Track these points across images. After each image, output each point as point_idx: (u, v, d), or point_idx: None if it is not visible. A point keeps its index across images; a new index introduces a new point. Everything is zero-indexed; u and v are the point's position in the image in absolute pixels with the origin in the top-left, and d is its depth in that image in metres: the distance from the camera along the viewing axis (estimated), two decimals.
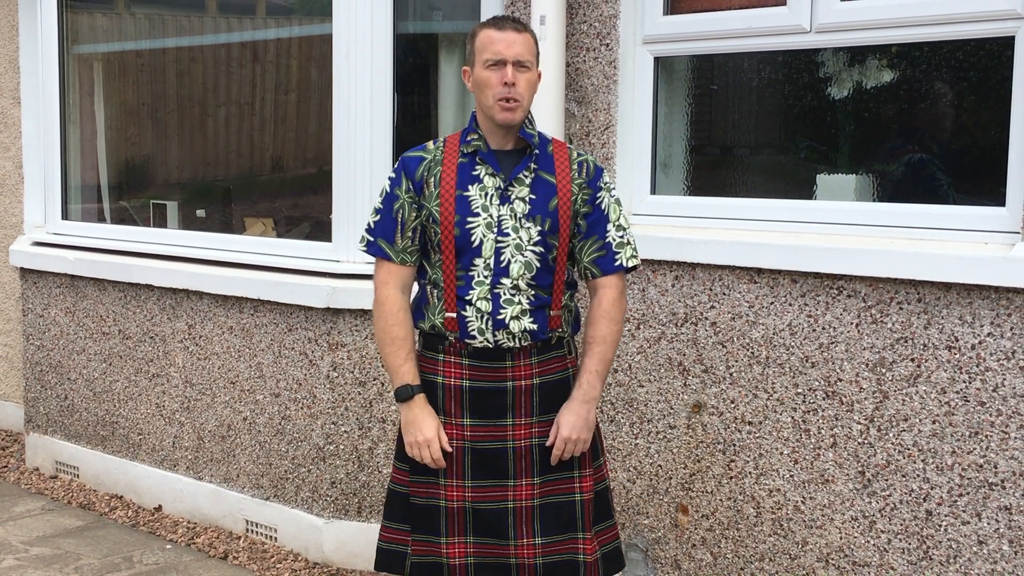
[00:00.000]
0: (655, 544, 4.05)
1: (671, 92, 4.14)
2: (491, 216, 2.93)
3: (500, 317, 2.92)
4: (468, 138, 3.00)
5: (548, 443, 2.99)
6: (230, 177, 5.75)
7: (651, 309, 4.00)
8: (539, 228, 2.94)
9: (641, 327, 4.02)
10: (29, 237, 6.16)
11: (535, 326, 2.95)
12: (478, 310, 2.93)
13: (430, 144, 3.08)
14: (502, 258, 2.93)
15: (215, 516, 5.13)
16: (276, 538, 4.90)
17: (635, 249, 3.06)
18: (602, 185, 3.02)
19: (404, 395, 2.99)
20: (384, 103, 4.61)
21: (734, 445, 3.81)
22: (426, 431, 2.95)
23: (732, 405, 3.81)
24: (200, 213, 5.75)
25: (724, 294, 3.80)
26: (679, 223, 3.99)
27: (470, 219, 2.93)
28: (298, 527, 4.79)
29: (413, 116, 4.89)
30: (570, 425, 2.96)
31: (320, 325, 4.65)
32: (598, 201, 3.01)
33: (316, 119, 5.33)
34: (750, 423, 3.76)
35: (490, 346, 2.95)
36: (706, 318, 3.86)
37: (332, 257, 4.72)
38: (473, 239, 2.93)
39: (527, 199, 2.95)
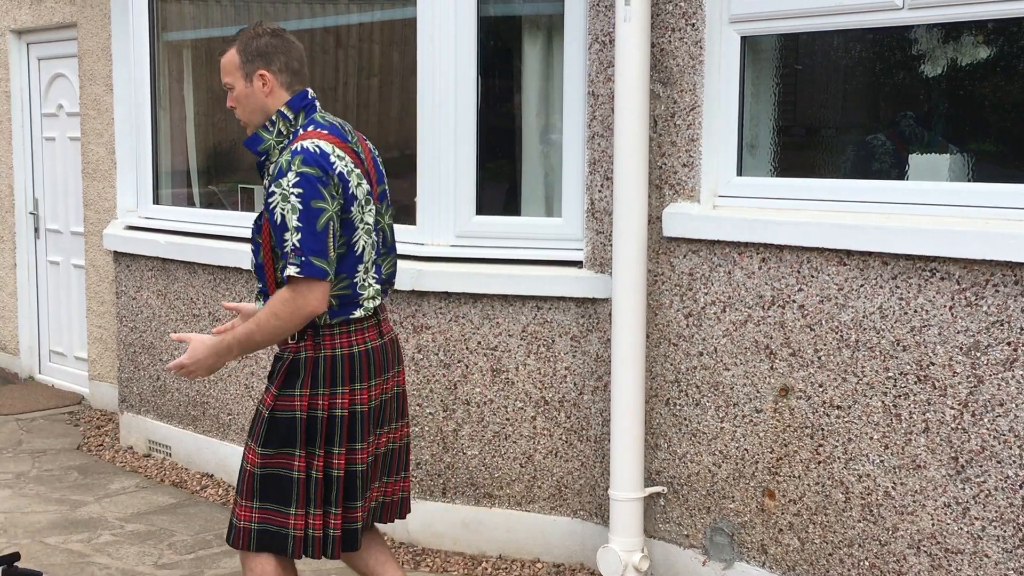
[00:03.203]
0: (741, 528, 4.02)
1: (758, 72, 4.08)
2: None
3: None
4: None
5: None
6: None
7: (737, 292, 3.96)
8: (252, 228, 3.21)
9: (727, 310, 3.99)
10: (122, 221, 6.31)
11: None
12: None
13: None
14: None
15: None
16: None
17: (295, 259, 2.99)
18: (275, 189, 3.03)
19: None
20: (468, 87, 4.62)
21: (822, 429, 3.76)
22: None
23: (820, 389, 3.76)
24: None
25: (812, 276, 3.75)
26: (766, 204, 3.94)
27: None
28: None
29: (496, 99, 4.89)
30: (188, 351, 3.19)
31: (405, 308, 4.69)
32: (272, 206, 3.03)
33: (398, 103, 5.36)
34: (839, 407, 3.71)
35: None
36: (794, 301, 3.81)
37: (417, 240, 4.75)
38: None
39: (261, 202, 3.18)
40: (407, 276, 4.62)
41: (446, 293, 4.62)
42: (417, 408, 4.70)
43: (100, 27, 6.72)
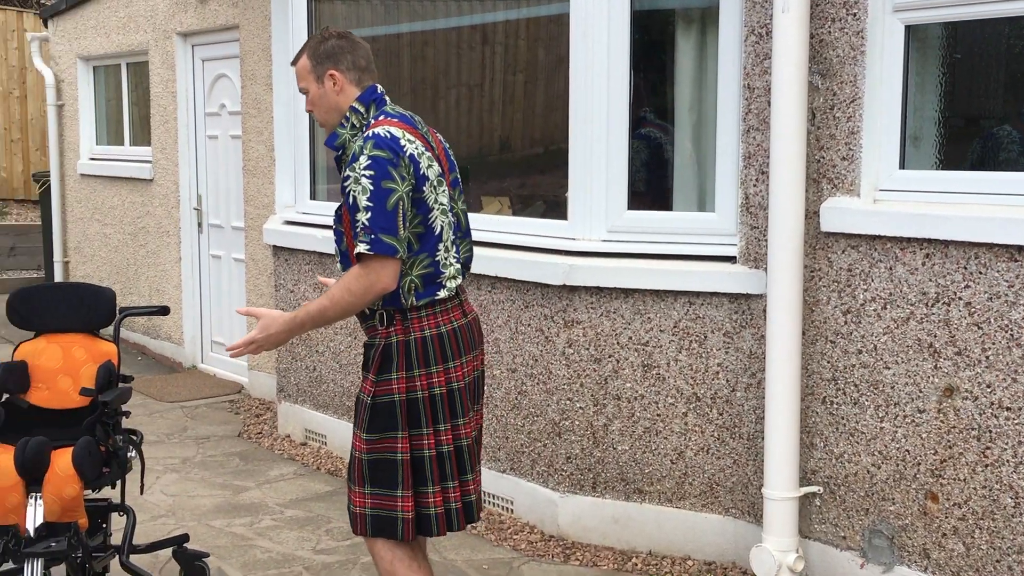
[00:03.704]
0: (901, 531, 3.91)
1: (922, 62, 3.96)
2: None
3: None
4: None
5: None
6: (462, 157, 5.88)
7: (899, 288, 3.85)
8: (332, 219, 3.32)
9: (888, 307, 3.88)
10: (280, 216, 6.51)
11: None
12: None
13: None
14: None
15: None
16: (512, 510, 5.02)
17: (364, 236, 3.06)
18: (350, 173, 3.14)
19: None
20: (621, 82, 4.61)
21: (990, 431, 3.63)
22: None
23: (988, 390, 3.62)
24: None
25: (980, 273, 3.62)
26: (930, 199, 3.82)
27: None
28: (534, 500, 4.89)
29: (648, 94, 4.87)
30: (259, 325, 3.23)
31: (556, 302, 4.72)
32: (347, 189, 3.15)
33: (543, 99, 5.38)
34: (1008, 408, 3.57)
35: None
36: (960, 298, 3.68)
37: (568, 235, 4.77)
38: None
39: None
40: (558, 271, 4.64)
41: (597, 288, 4.62)
42: (567, 402, 4.72)
43: (261, 28, 6.95)
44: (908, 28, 3.89)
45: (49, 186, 10.27)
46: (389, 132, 3.17)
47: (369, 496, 3.24)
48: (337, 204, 3.25)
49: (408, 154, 3.15)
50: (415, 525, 3.23)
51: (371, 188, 3.08)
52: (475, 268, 4.99)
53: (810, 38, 4.03)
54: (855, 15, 3.92)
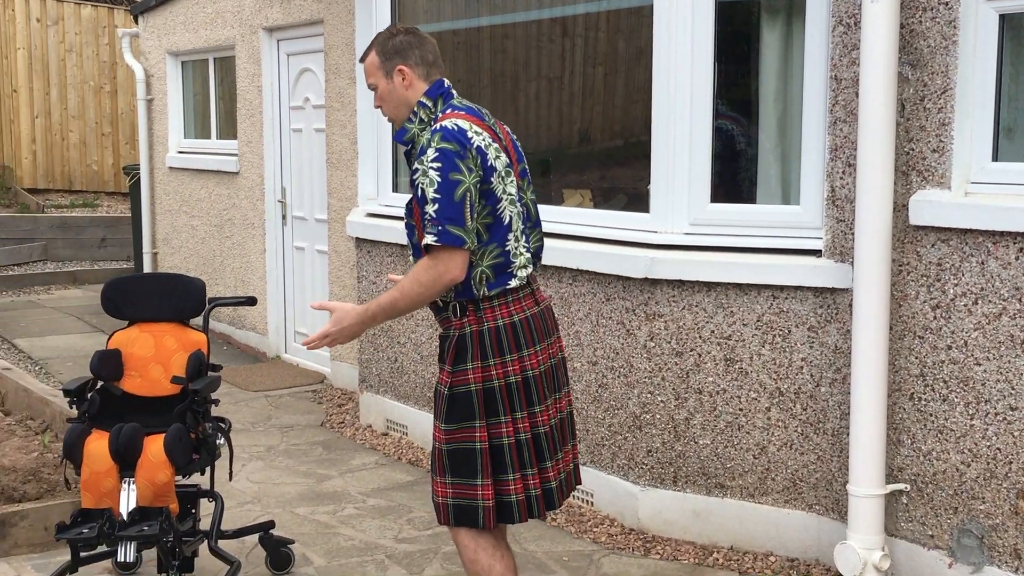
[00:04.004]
0: (992, 531, 3.84)
1: (1017, 51, 3.86)
2: None
3: None
4: None
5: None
6: (542, 150, 5.90)
7: (991, 283, 3.77)
8: (403, 212, 3.33)
9: (979, 302, 3.80)
10: (363, 209, 6.59)
11: None
12: None
13: None
14: None
15: None
16: (592, 502, 5.02)
17: (432, 228, 3.10)
18: (418, 166, 3.18)
19: None
20: (704, 74, 4.58)
21: None
22: None
23: None
24: None
25: None
26: None
27: None
28: (614, 493, 4.89)
29: (732, 86, 4.82)
30: (332, 318, 3.31)
31: (638, 295, 4.70)
32: (416, 181, 3.18)
33: (623, 92, 5.36)
34: None
35: None
36: None
37: (650, 228, 4.75)
38: None
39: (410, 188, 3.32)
40: (639, 264, 4.63)
41: (679, 281, 4.60)
42: (648, 395, 4.71)
43: (345, 22, 7.03)
44: (1002, 17, 3.80)
45: (139, 179, 10.52)
46: (456, 124, 3.20)
47: (450, 486, 3.27)
48: (409, 197, 3.29)
49: (475, 146, 3.18)
50: (496, 513, 3.26)
51: (438, 180, 3.11)
52: (556, 260, 5.00)
53: (900, 28, 3.95)
54: (947, 4, 3.84)
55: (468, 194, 3.13)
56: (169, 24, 9.83)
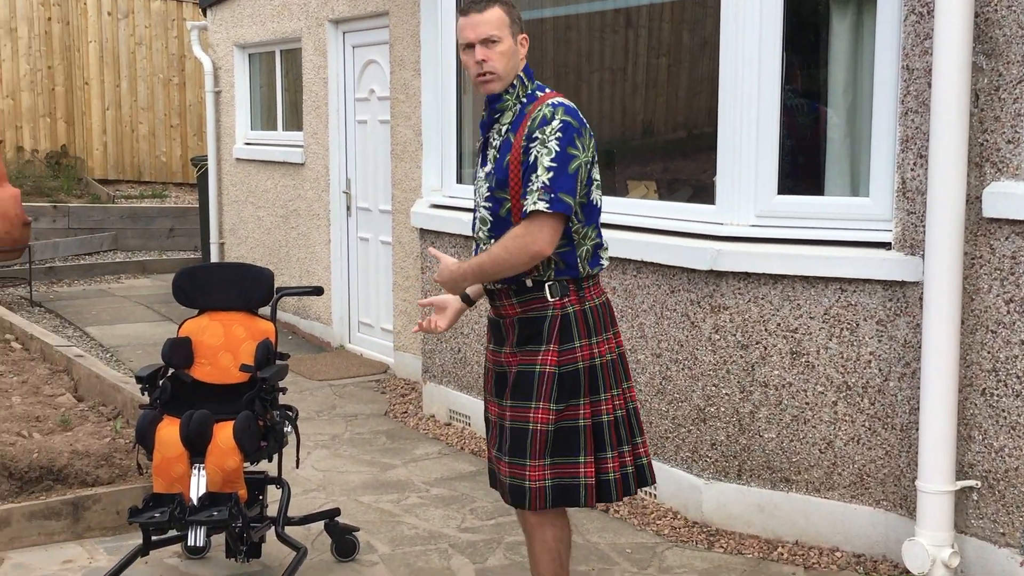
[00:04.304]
0: None
1: None
2: (474, 178, 3.49)
3: None
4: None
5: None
6: (606, 141, 5.88)
7: None
8: (489, 185, 3.33)
9: None
10: (427, 200, 6.62)
11: None
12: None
13: None
14: (474, 215, 3.46)
15: None
16: (656, 495, 5.00)
17: (543, 195, 3.14)
18: (538, 135, 3.21)
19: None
20: (772, 64, 4.53)
21: None
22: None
23: None
24: None
25: None
26: None
27: (474, 182, 3.52)
28: (677, 486, 4.87)
29: (800, 76, 4.77)
30: (438, 268, 3.43)
31: (703, 287, 4.67)
32: (531, 152, 3.21)
33: (687, 82, 5.33)
34: None
35: (488, 287, 3.41)
36: None
37: (716, 220, 4.72)
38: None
39: (492, 159, 3.36)
40: (704, 255, 4.60)
41: (745, 273, 4.56)
42: (713, 388, 4.68)
43: (410, 14, 7.06)
44: None
45: (206, 170, 10.68)
46: (572, 104, 3.31)
47: (549, 467, 3.29)
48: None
49: (588, 128, 3.28)
50: (597, 491, 3.32)
51: (557, 150, 3.19)
52: (620, 252, 4.98)
53: (974, 16, 3.88)
54: None
55: (580, 170, 3.22)
56: (237, 17, 9.95)
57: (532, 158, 3.19)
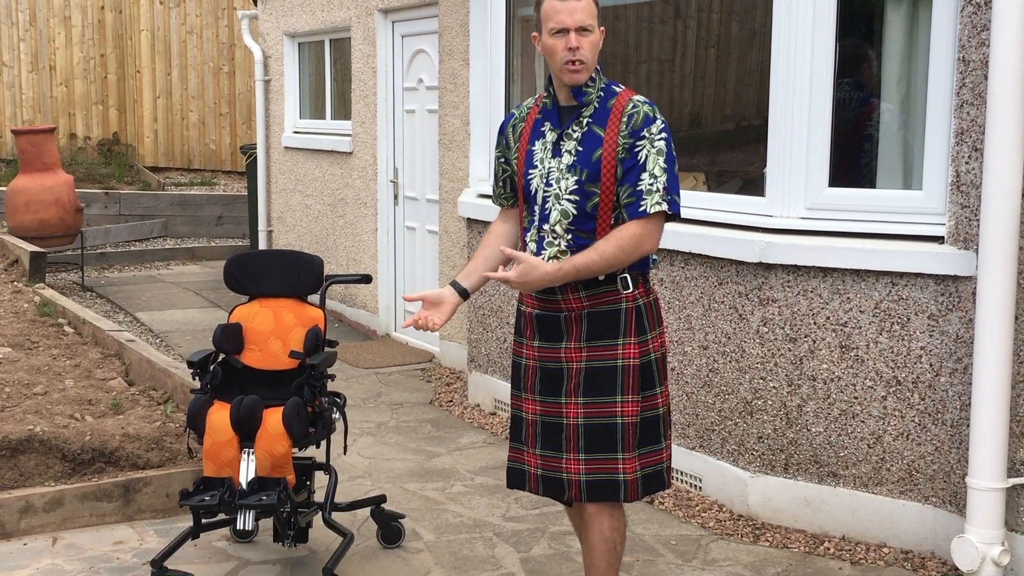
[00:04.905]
0: None
1: None
2: (544, 168, 3.35)
3: (541, 256, 3.32)
4: (543, 97, 3.41)
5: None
6: None
7: None
8: (577, 178, 3.27)
9: None
10: (474, 190, 6.63)
11: None
12: (529, 250, 3.38)
13: (526, 102, 3.51)
14: (547, 206, 3.33)
15: None
16: (700, 487, 4.99)
17: (664, 196, 3.19)
18: (645, 135, 3.22)
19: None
20: (824, 56, 4.49)
21: None
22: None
23: None
24: None
25: None
26: None
27: (530, 171, 3.39)
28: (723, 479, 4.85)
29: (853, 68, 4.71)
30: (519, 269, 3.21)
31: (751, 280, 4.65)
32: (637, 150, 3.22)
33: (736, 74, 5.29)
34: None
35: None
36: None
37: (765, 212, 4.69)
38: (532, 188, 3.37)
39: (574, 151, 3.29)
40: (754, 248, 4.57)
41: (794, 266, 4.53)
42: (760, 381, 4.66)
43: (459, 4, 7.07)
44: None
45: (255, 158, 10.77)
46: None
47: (639, 458, 3.34)
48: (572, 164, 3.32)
49: None
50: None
51: (666, 151, 3.25)
52: (668, 244, 4.96)
53: None
54: None
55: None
56: (287, 6, 10.02)
57: (641, 158, 3.21)
